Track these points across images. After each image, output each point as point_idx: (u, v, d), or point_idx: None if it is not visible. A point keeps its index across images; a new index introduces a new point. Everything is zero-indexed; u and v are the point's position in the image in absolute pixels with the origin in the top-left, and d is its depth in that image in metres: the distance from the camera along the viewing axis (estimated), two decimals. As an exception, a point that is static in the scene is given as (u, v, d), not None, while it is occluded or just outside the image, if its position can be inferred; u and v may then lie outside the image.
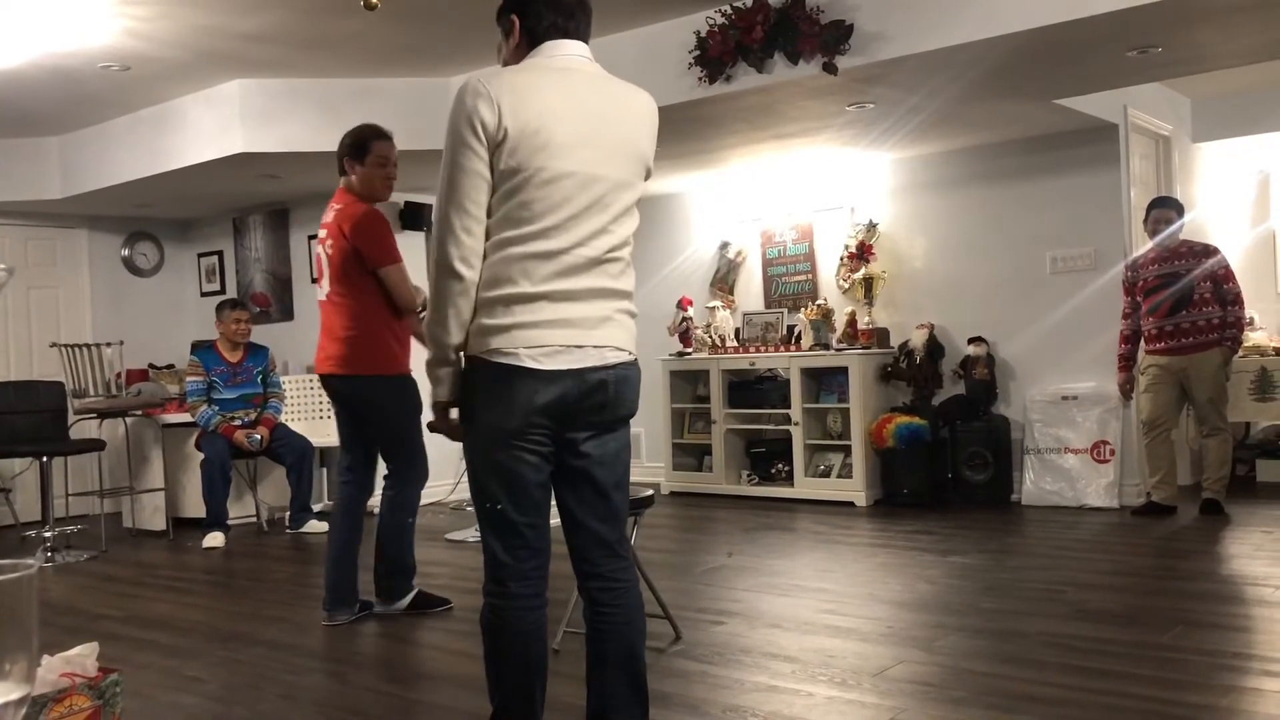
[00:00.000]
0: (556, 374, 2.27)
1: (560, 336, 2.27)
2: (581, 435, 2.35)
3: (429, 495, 7.75)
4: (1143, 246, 6.22)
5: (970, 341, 6.93)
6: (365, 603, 4.46)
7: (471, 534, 6.12)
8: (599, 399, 2.33)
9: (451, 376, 2.35)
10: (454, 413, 2.41)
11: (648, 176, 2.45)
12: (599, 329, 2.31)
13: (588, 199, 2.28)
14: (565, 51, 2.35)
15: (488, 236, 2.28)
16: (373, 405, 4.34)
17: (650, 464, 8.21)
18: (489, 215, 2.28)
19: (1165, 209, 6.07)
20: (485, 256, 2.28)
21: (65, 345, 7.40)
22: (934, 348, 7.07)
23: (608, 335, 2.33)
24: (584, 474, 2.38)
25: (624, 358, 2.37)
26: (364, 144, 4.35)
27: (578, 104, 2.29)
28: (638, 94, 2.44)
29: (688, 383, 7.91)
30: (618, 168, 2.33)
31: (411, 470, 4.44)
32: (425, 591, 4.51)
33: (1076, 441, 6.51)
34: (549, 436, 2.33)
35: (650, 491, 3.92)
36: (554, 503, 2.44)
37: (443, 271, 2.28)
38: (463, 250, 2.25)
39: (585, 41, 2.40)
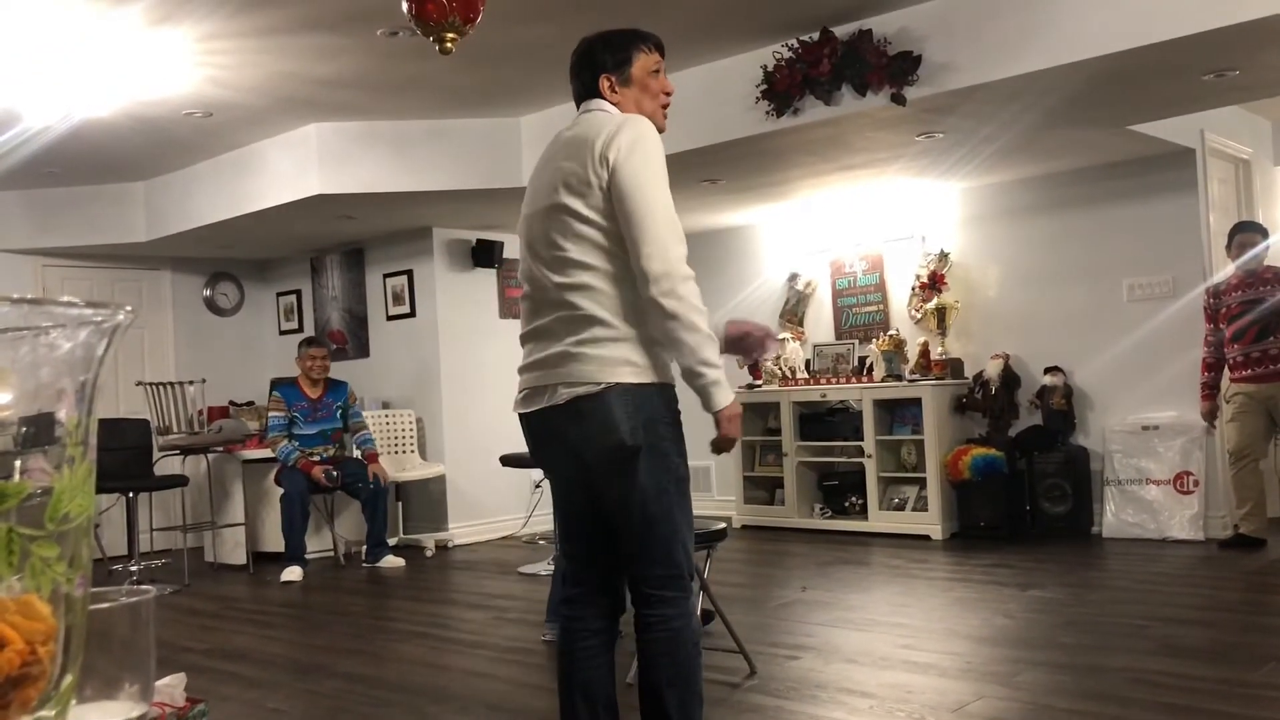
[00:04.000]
0: (526, 416, 2.46)
1: (526, 380, 2.46)
2: (584, 474, 2.43)
3: (498, 529, 7.82)
4: (1223, 271, 6.09)
5: (1046, 371, 6.83)
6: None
7: (543, 567, 6.15)
8: (564, 439, 2.40)
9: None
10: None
11: (612, 182, 2.33)
12: (559, 367, 2.37)
13: (530, 235, 2.48)
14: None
15: None
16: None
17: (721, 497, 8.18)
18: None
19: (1250, 233, 5.95)
20: None
21: (150, 384, 7.61)
22: (1009, 378, 6.97)
23: (566, 372, 2.35)
24: (605, 512, 2.45)
25: (581, 391, 2.32)
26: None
27: (541, 161, 2.54)
28: (592, 125, 2.43)
29: (758, 415, 7.88)
30: (544, 196, 2.44)
31: None
32: None
33: (1158, 472, 6.36)
34: (559, 472, 2.51)
35: (722, 525, 3.91)
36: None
37: None
38: None
39: (587, 94, 2.54)
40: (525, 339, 2.50)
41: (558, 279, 2.38)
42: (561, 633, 2.56)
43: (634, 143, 2.35)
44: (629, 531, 2.40)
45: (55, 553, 0.50)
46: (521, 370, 2.50)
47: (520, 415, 2.50)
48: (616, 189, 2.32)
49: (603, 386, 2.32)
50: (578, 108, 2.56)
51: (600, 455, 2.36)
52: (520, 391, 2.49)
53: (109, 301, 0.53)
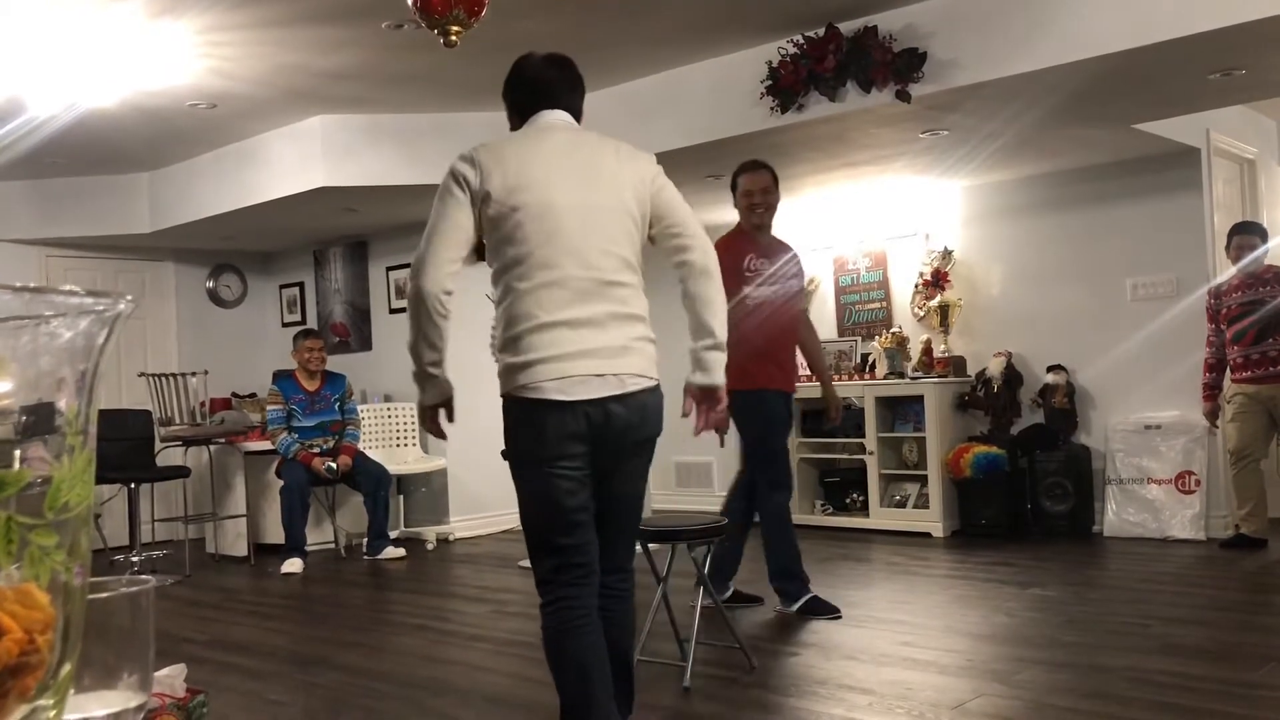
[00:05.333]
0: (581, 404, 2.47)
1: (582, 367, 2.47)
2: (608, 459, 2.56)
3: (499, 523, 7.83)
4: (1226, 272, 6.07)
5: (1049, 370, 6.82)
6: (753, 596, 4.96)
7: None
8: (622, 425, 2.52)
9: (435, 385, 2.63)
10: (443, 414, 2.67)
11: (649, 226, 2.64)
12: (620, 358, 2.51)
13: (578, 222, 2.51)
14: (547, 121, 2.68)
15: (495, 284, 2.58)
16: (736, 418, 4.56)
17: (722, 493, 8.16)
18: (493, 265, 2.59)
19: (1248, 234, 5.93)
20: (500, 305, 2.57)
21: (152, 375, 7.61)
22: (1011, 376, 6.96)
23: (628, 363, 2.52)
24: (606, 494, 2.61)
25: (645, 384, 2.55)
26: (732, 179, 4.82)
27: (555, 152, 2.60)
28: (610, 144, 2.67)
29: (760, 411, 7.87)
30: (603, 195, 2.56)
31: (765, 475, 4.73)
32: (818, 598, 4.71)
33: (1160, 472, 6.36)
34: (584, 461, 2.53)
35: (723, 520, 3.91)
36: None
37: (416, 298, 2.56)
38: (426, 275, 2.55)
39: (570, 109, 2.73)
40: (561, 325, 2.48)
41: (612, 276, 2.53)
42: (559, 615, 2.57)
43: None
44: (629, 513, 2.67)
45: (54, 541, 0.50)
46: (565, 357, 2.46)
47: (566, 402, 2.46)
48: (666, 200, 2.64)
49: (656, 383, 2.59)
50: (556, 109, 2.70)
51: (643, 445, 2.61)
52: (561, 377, 2.46)
53: (110, 291, 0.53)
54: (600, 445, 2.52)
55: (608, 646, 2.62)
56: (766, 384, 4.62)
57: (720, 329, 2.62)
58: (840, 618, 4.57)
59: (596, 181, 2.57)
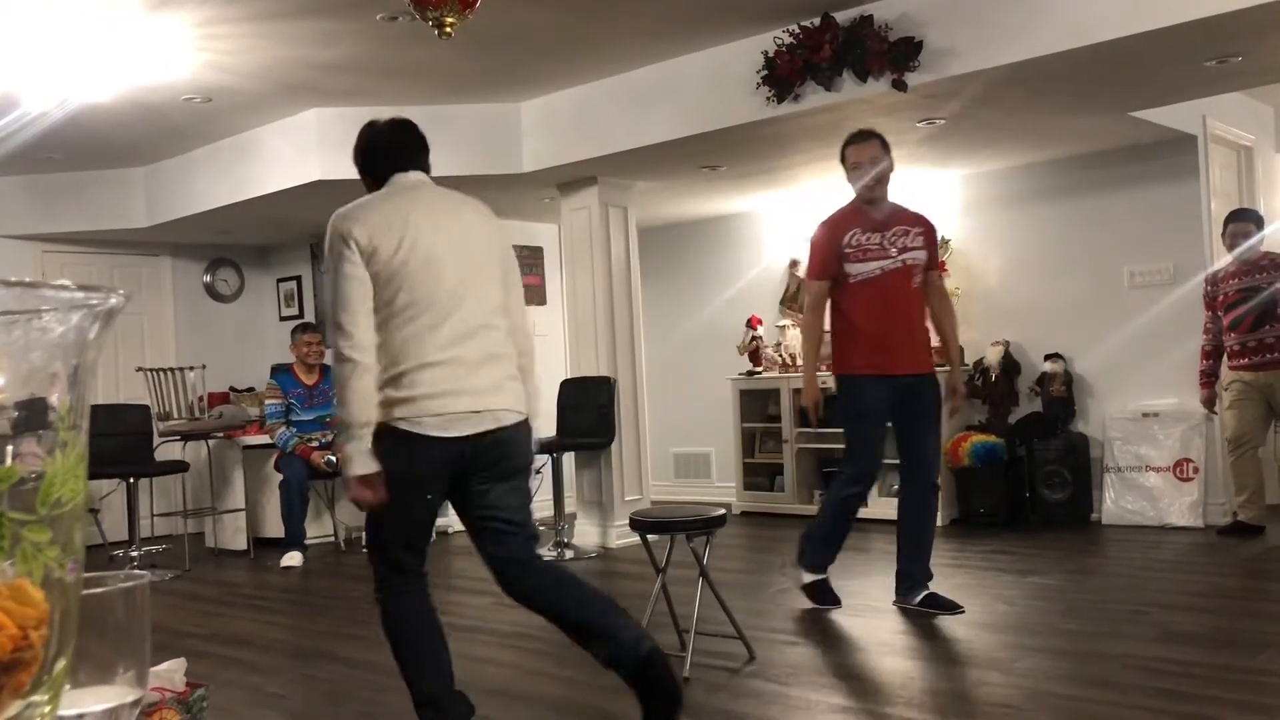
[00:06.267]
0: (456, 439, 2.71)
1: (460, 404, 2.72)
2: (484, 487, 2.79)
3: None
4: (1223, 259, 6.07)
5: (1047, 358, 6.82)
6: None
7: (545, 553, 6.16)
8: (495, 456, 2.77)
9: (359, 452, 2.72)
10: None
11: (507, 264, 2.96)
12: (493, 395, 2.77)
13: (456, 271, 2.78)
14: (409, 180, 2.96)
15: (381, 329, 2.74)
16: (835, 400, 4.65)
17: (721, 484, 8.19)
18: (377, 312, 2.74)
19: (1243, 222, 5.93)
20: (383, 345, 2.73)
21: (150, 370, 7.60)
22: (1009, 365, 6.97)
23: (500, 400, 2.78)
24: (490, 519, 2.83)
25: (515, 419, 2.81)
26: (841, 153, 4.60)
27: (429, 205, 2.88)
28: (470, 200, 2.99)
29: (758, 402, 7.88)
30: (476, 245, 2.87)
31: (846, 464, 4.65)
32: (826, 586, 4.62)
33: (1158, 459, 6.36)
34: (444, 488, 2.80)
35: (722, 511, 3.92)
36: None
37: (339, 361, 2.74)
38: (353, 341, 2.71)
39: (421, 168, 3.01)
40: (440, 364, 2.72)
41: (486, 320, 2.81)
42: (400, 600, 2.91)
43: None
44: (516, 517, 2.86)
45: (47, 537, 0.50)
46: (445, 395, 2.71)
47: (444, 438, 2.71)
48: (512, 269, 2.98)
49: (525, 417, 2.85)
50: (410, 170, 2.98)
51: (516, 473, 2.86)
52: (440, 414, 2.71)
53: (102, 285, 0.53)
54: (474, 474, 2.77)
55: (556, 613, 2.84)
56: (854, 369, 4.45)
57: (536, 405, 2.94)
58: (840, 608, 4.57)
59: (469, 233, 2.87)
